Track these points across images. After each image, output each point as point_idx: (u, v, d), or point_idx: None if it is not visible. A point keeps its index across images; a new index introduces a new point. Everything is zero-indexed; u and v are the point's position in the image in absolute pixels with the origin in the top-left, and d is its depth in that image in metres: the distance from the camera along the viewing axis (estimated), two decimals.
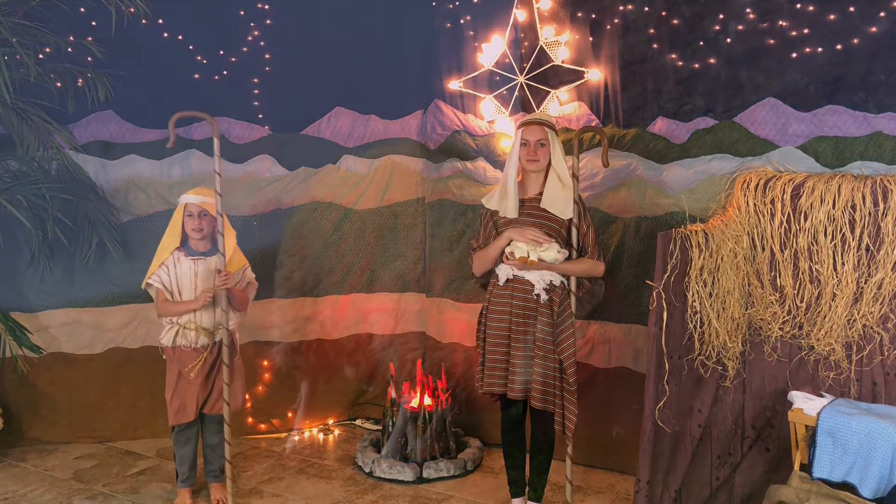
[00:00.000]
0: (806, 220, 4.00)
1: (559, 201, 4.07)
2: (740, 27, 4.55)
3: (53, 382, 5.37)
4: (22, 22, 4.87)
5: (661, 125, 4.87)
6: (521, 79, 5.36)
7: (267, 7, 5.67)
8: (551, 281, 4.06)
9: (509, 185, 4.12)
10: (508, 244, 4.06)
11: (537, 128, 4.08)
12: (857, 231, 3.90)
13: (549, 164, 4.13)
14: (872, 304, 3.89)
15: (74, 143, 5.17)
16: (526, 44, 5.35)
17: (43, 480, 4.83)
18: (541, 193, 4.13)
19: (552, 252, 4.02)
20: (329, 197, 5.72)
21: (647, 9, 4.90)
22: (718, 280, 3.95)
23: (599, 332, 5.01)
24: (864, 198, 3.89)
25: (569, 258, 4.11)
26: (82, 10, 5.17)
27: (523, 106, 5.38)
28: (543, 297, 4.04)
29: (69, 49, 5.19)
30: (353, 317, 5.85)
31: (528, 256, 3.99)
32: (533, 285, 4.05)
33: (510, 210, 4.10)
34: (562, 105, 5.22)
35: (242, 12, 5.63)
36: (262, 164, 5.66)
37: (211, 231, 4.37)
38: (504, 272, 4.12)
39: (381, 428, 5.29)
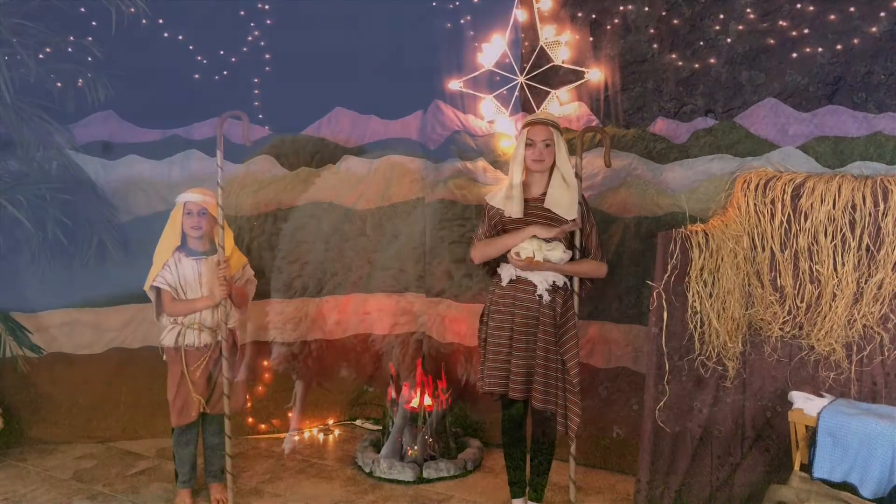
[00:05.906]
0: (806, 220, 4.00)
1: (563, 202, 4.06)
2: (740, 27, 4.55)
3: (54, 382, 5.37)
4: (22, 22, 4.87)
5: (661, 125, 4.88)
6: (521, 79, 5.36)
7: (267, 7, 5.67)
8: (554, 282, 4.05)
9: (515, 185, 4.11)
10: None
11: (543, 128, 4.07)
12: (858, 231, 3.91)
13: (554, 165, 4.12)
14: (872, 304, 3.90)
15: (74, 143, 5.19)
16: (526, 44, 5.36)
17: (43, 480, 4.82)
18: (544, 194, 4.11)
19: (557, 252, 4.01)
20: (329, 197, 5.72)
21: (647, 9, 4.90)
22: (719, 280, 3.95)
23: (600, 332, 5.01)
24: (864, 198, 3.89)
25: (572, 259, 4.11)
26: (83, 10, 5.18)
27: (523, 106, 5.38)
28: (546, 297, 4.04)
29: (69, 49, 5.19)
30: (353, 317, 5.85)
31: (535, 257, 3.98)
32: (536, 286, 4.05)
33: (515, 210, 4.08)
34: (562, 105, 5.23)
35: (243, 12, 5.63)
36: (263, 165, 5.66)
37: (209, 230, 4.37)
38: (507, 272, 4.11)
39: (381, 428, 5.29)
